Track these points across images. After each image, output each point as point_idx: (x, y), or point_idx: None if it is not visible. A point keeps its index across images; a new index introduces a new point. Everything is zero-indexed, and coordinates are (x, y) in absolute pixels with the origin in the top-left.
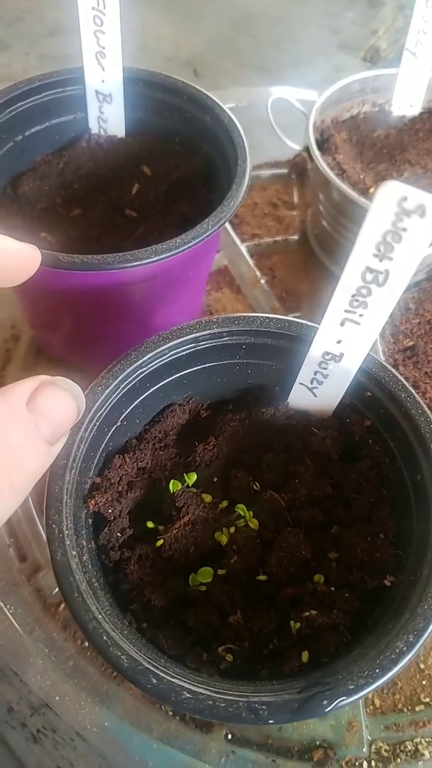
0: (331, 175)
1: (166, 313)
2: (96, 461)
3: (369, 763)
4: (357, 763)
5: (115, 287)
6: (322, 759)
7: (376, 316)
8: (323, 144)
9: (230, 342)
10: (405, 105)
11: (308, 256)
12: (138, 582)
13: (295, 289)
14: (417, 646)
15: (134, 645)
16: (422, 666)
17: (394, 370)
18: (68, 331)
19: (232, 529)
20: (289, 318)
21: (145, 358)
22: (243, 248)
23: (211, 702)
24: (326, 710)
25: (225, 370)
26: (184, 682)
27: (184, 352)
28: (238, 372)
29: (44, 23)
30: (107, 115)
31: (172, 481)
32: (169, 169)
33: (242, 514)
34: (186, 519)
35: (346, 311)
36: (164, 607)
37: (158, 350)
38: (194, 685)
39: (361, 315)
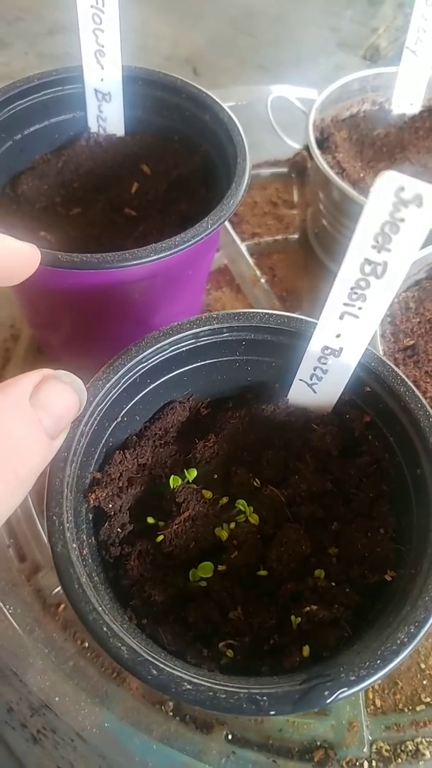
0: (331, 173)
1: (165, 312)
2: (96, 456)
3: (370, 763)
4: (358, 763)
5: (115, 286)
6: (323, 759)
7: (375, 308)
8: (323, 143)
9: (230, 338)
10: (405, 103)
11: (308, 255)
12: (138, 578)
13: (295, 288)
14: (418, 638)
15: (134, 639)
16: (423, 666)
17: (392, 364)
18: (68, 330)
19: (233, 525)
20: (289, 314)
21: (145, 354)
22: (243, 247)
23: (211, 693)
24: (328, 701)
25: (225, 367)
26: (185, 674)
27: (184, 349)
28: (238, 369)
29: (43, 22)
30: (106, 113)
31: (172, 476)
32: (168, 167)
33: (242, 509)
34: (186, 515)
35: (345, 304)
36: (164, 603)
37: (158, 345)
38: (195, 678)
39: (360, 308)
